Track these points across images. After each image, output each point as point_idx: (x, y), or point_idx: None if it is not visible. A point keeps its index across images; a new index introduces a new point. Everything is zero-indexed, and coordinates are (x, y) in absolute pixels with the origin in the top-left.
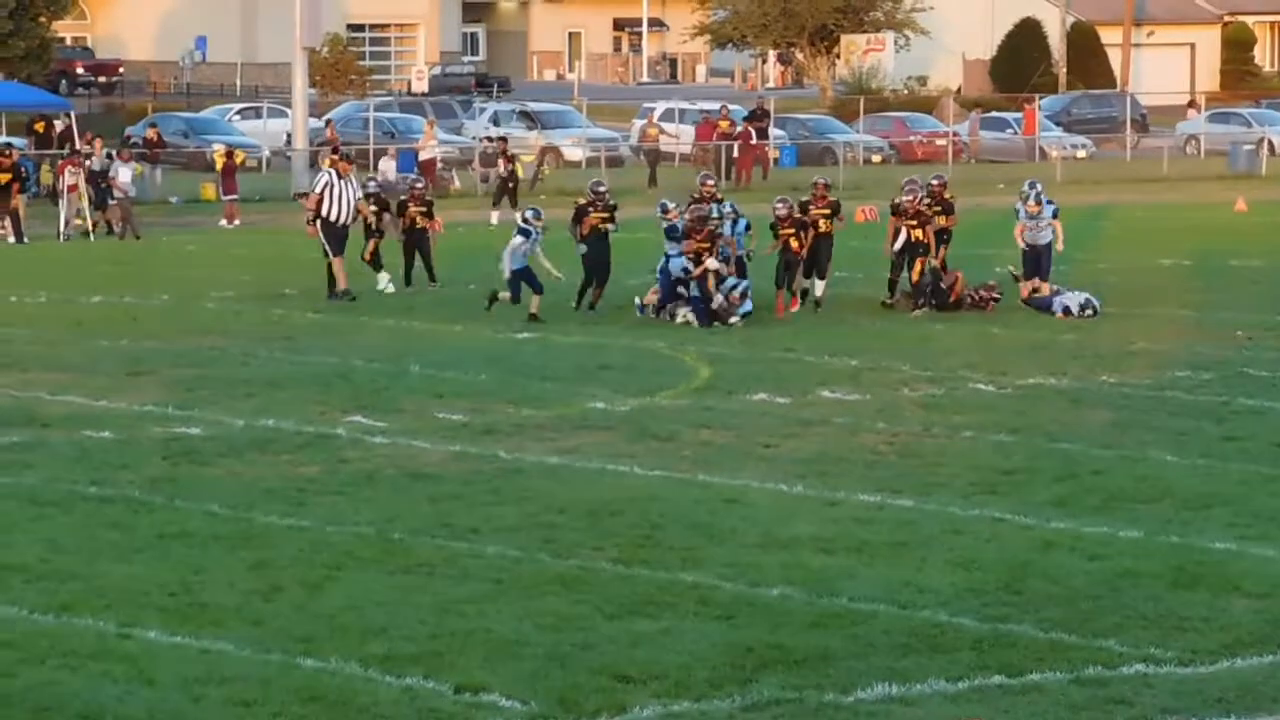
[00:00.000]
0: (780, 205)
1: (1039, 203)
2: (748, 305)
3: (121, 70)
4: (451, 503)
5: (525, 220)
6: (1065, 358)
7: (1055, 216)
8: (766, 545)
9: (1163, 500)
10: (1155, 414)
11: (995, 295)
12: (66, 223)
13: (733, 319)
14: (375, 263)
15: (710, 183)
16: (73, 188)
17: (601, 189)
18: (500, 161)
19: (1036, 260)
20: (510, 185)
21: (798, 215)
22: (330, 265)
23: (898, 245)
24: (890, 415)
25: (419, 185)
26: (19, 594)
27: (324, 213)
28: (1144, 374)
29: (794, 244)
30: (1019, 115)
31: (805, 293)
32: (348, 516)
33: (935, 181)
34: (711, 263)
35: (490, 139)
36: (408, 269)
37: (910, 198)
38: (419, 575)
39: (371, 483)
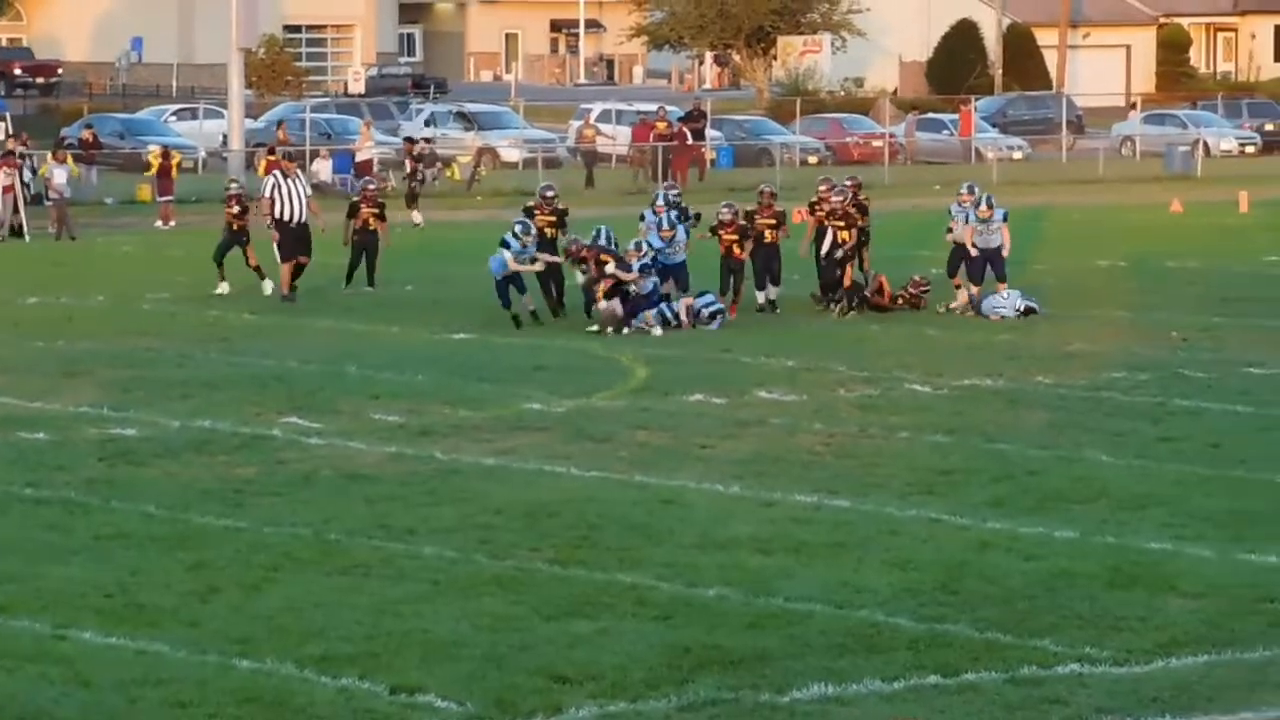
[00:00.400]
0: (725, 210)
1: (990, 207)
2: (716, 324)
3: (60, 71)
4: (388, 504)
5: (514, 234)
6: (1001, 359)
7: (1005, 221)
8: (704, 546)
9: (1099, 500)
10: (1091, 415)
11: (925, 289)
12: (1, 223)
13: (655, 329)
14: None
15: (550, 193)
16: (8, 188)
17: (550, 194)
18: (406, 162)
19: (984, 263)
20: (414, 186)
21: (742, 222)
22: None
23: (825, 247)
24: (827, 416)
25: (371, 187)
26: None
27: (277, 214)
28: (1080, 375)
29: (736, 250)
30: (955, 117)
31: (772, 304)
32: (285, 517)
33: (850, 182)
34: (611, 268)
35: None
36: (351, 268)
37: (840, 199)
38: (356, 576)
39: (308, 484)
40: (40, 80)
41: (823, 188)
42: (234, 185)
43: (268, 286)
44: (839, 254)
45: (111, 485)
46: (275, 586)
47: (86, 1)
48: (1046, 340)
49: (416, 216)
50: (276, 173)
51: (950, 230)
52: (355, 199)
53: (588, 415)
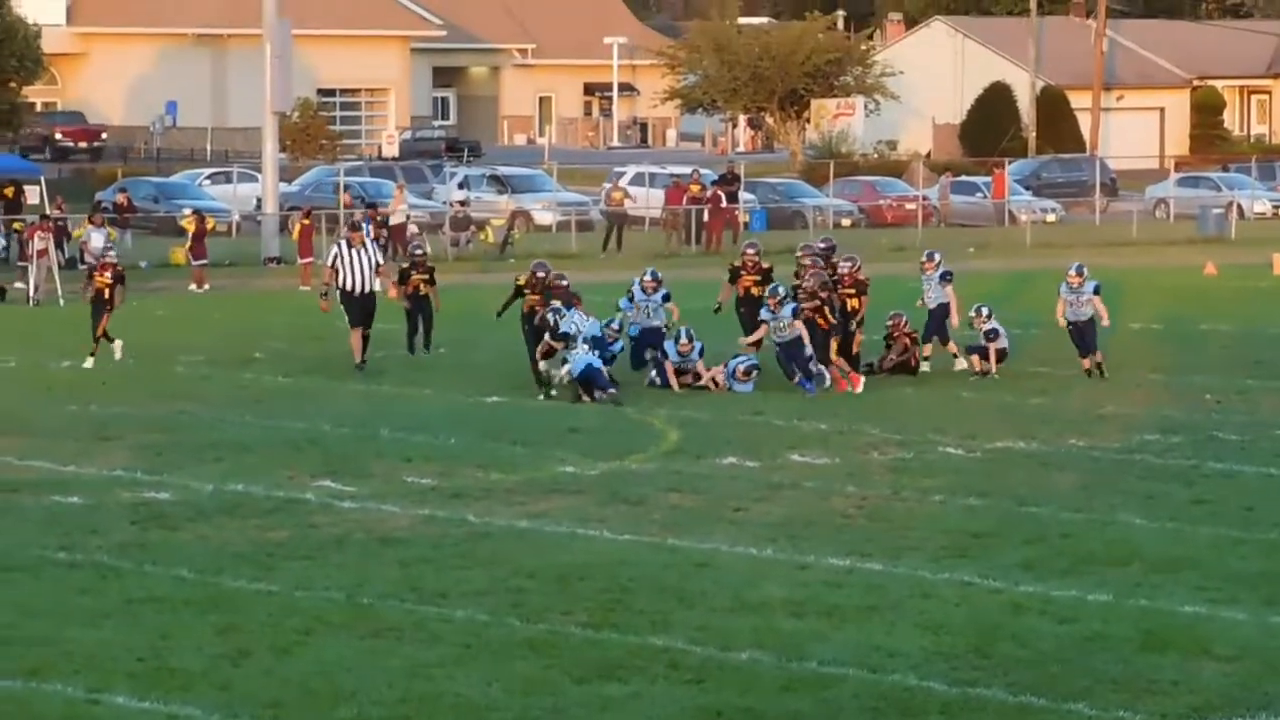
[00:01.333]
0: (750, 249)
1: (1080, 275)
2: (748, 386)
3: (104, 136)
4: (420, 567)
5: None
6: (1034, 421)
7: (1097, 293)
8: (736, 609)
9: (1132, 563)
10: (1124, 477)
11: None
12: (36, 287)
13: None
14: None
15: (541, 273)
16: (42, 252)
17: (541, 274)
18: (370, 229)
19: (1079, 336)
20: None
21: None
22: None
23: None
24: (860, 479)
25: (419, 252)
26: None
27: (340, 283)
28: (1113, 437)
29: (755, 291)
30: (988, 179)
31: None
32: (317, 581)
33: (822, 244)
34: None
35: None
36: (410, 335)
37: (850, 266)
38: (388, 639)
39: (340, 547)
40: (83, 145)
41: (804, 257)
42: (110, 254)
43: (117, 349)
44: (851, 324)
45: (144, 549)
46: (307, 650)
47: (121, 65)
48: (1080, 403)
49: (39, 288)
50: (341, 242)
51: (922, 300)
52: (405, 266)
53: (621, 478)
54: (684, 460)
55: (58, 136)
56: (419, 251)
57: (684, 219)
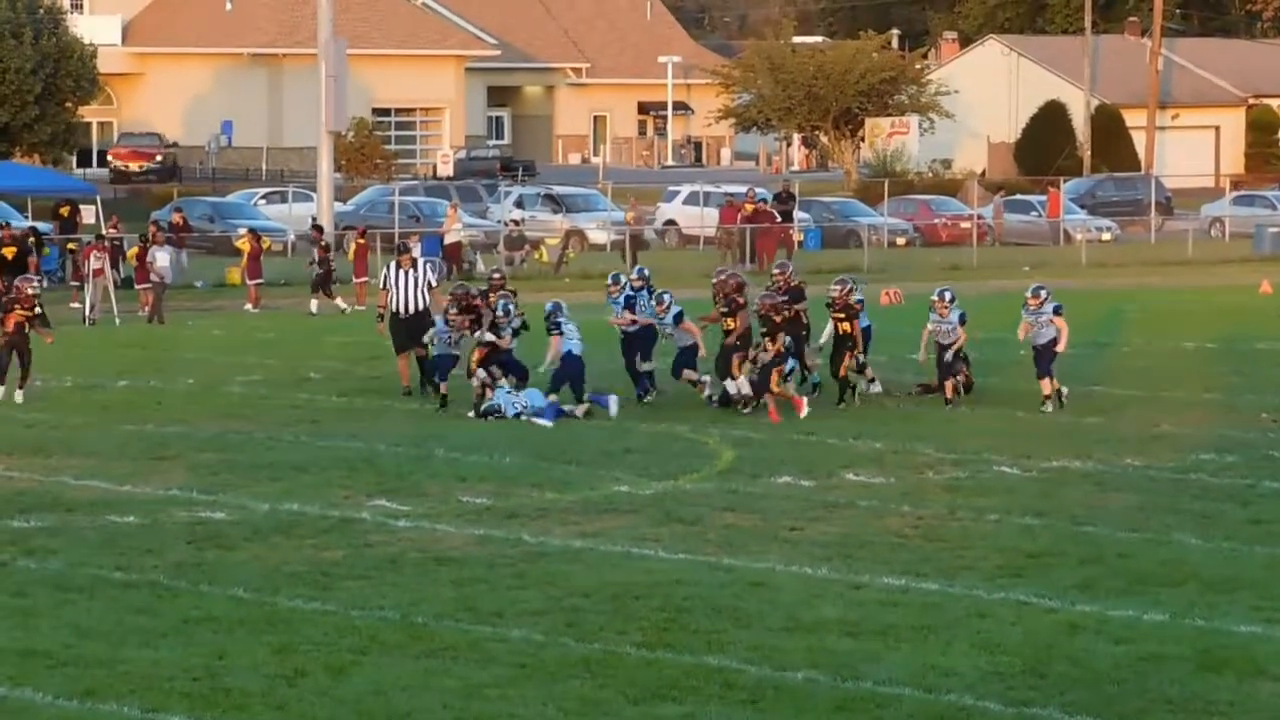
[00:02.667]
0: (778, 270)
1: (1037, 296)
2: (790, 385)
3: (159, 158)
4: (475, 586)
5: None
6: (1090, 440)
7: (1058, 314)
8: (791, 629)
9: (1188, 583)
10: (1180, 497)
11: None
12: (93, 306)
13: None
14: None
15: (497, 275)
16: (99, 272)
17: (498, 275)
18: (315, 249)
19: (1036, 358)
20: (329, 271)
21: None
22: (413, 358)
23: (823, 339)
24: (915, 498)
25: (497, 275)
26: (44, 680)
27: (390, 304)
28: (1169, 457)
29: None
30: (1043, 198)
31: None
32: (372, 600)
33: (777, 269)
34: (481, 335)
35: (516, 222)
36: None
37: (839, 288)
38: (443, 659)
39: (395, 567)
40: (135, 167)
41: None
42: (32, 286)
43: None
44: (846, 346)
45: (200, 568)
46: (362, 670)
47: (177, 85)
48: (1135, 422)
49: (314, 305)
50: (391, 264)
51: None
52: (484, 289)
53: (675, 497)
54: (739, 479)
55: (109, 158)
56: (497, 274)
57: (739, 237)
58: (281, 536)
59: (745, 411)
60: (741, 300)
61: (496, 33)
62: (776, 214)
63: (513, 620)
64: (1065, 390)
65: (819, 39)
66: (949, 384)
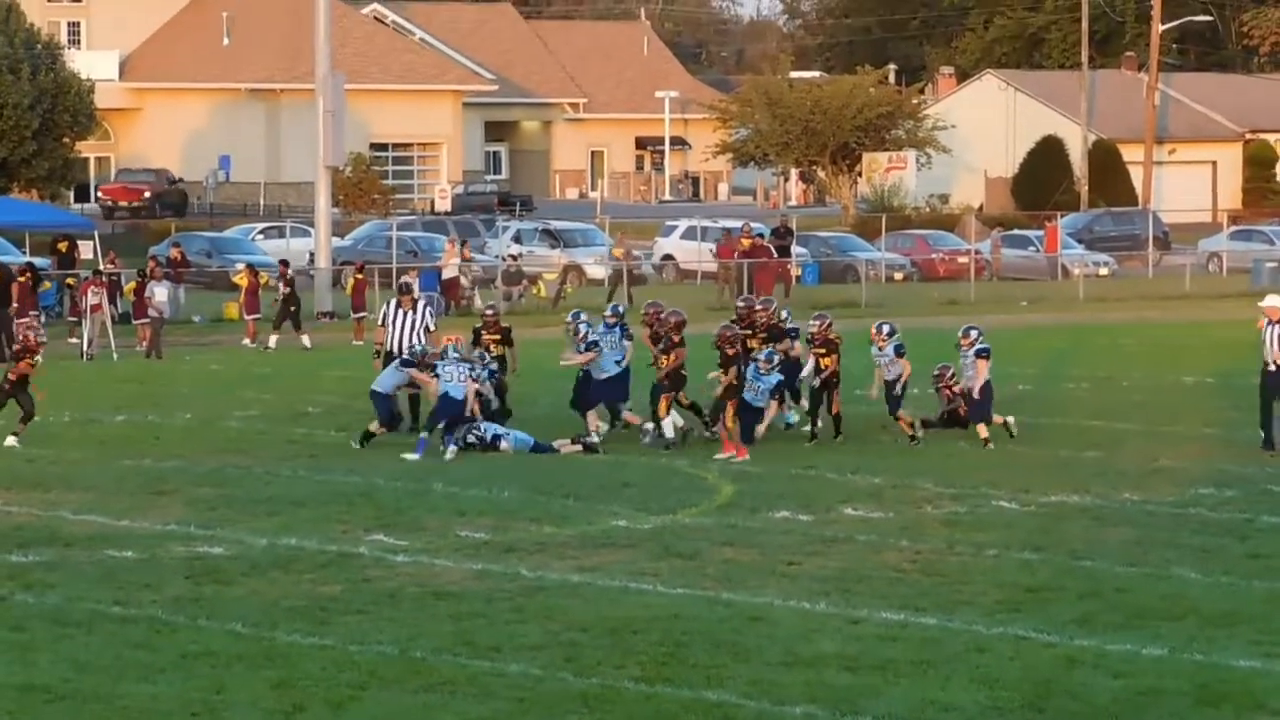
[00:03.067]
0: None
1: (966, 337)
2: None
3: (146, 195)
4: (474, 621)
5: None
6: (1088, 475)
7: (982, 356)
8: (790, 663)
9: (1187, 618)
10: (1179, 531)
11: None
12: (90, 342)
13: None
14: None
15: (491, 312)
16: (96, 307)
17: (491, 313)
18: (280, 285)
19: (969, 403)
20: (291, 308)
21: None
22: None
23: (805, 373)
24: (913, 533)
25: (489, 312)
26: (42, 714)
27: (384, 342)
28: (1168, 491)
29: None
30: (1041, 233)
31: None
32: (370, 635)
33: (741, 302)
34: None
35: (514, 257)
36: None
37: (818, 324)
38: (441, 694)
39: (394, 601)
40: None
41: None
42: (39, 335)
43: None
44: (816, 381)
45: (198, 603)
46: (360, 705)
47: (174, 120)
48: (1133, 456)
49: (272, 340)
50: (391, 302)
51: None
52: (477, 326)
53: (674, 532)
54: (737, 514)
55: (98, 194)
56: (490, 311)
57: (736, 272)
58: (280, 571)
59: (668, 450)
60: (677, 339)
61: (494, 68)
62: (773, 249)
63: (511, 655)
64: (1012, 419)
65: (816, 74)
66: (901, 418)
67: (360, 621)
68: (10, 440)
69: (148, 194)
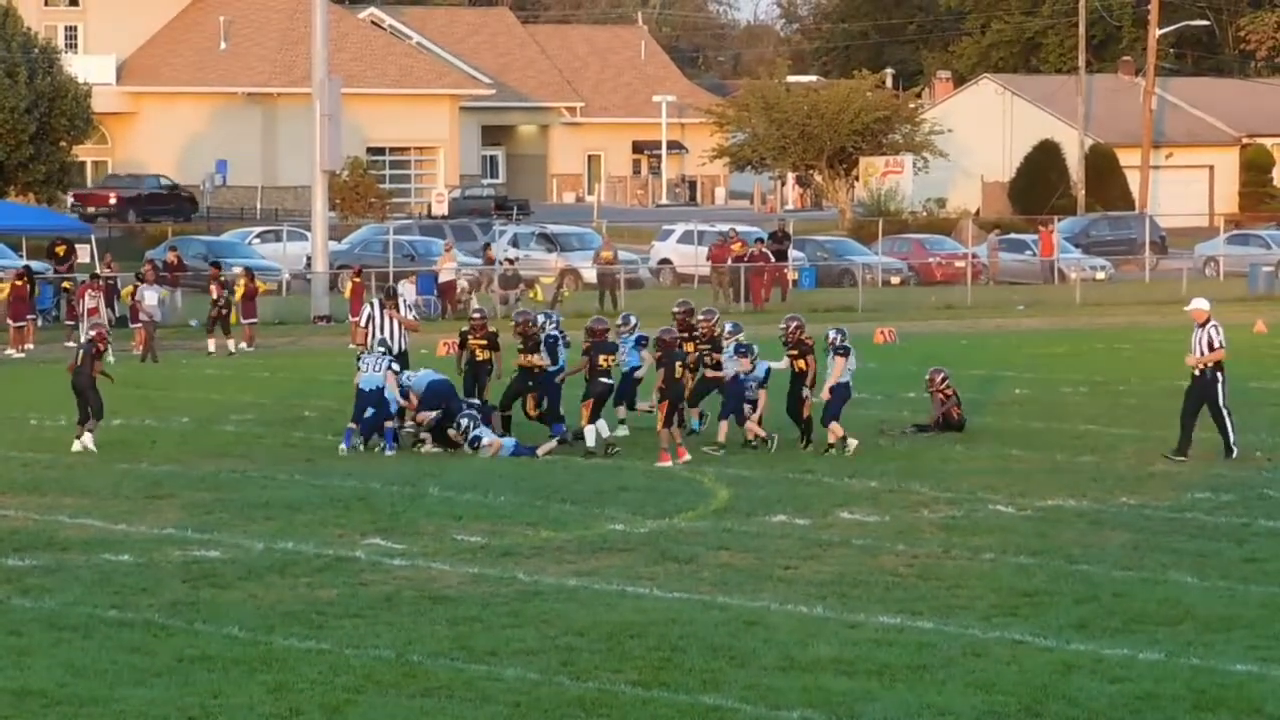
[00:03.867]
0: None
1: (828, 337)
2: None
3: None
4: (470, 625)
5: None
6: (1085, 479)
7: (840, 354)
8: (787, 668)
9: (1184, 622)
10: (1175, 536)
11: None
12: None
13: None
14: None
15: (478, 316)
16: (93, 311)
17: (479, 316)
18: (213, 288)
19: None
20: (223, 312)
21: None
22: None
23: (780, 364)
24: (910, 537)
25: (477, 315)
26: (38, 719)
27: (363, 341)
28: (1164, 496)
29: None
30: (1038, 237)
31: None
32: (367, 640)
33: (678, 307)
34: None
35: (511, 260)
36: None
37: (791, 326)
38: (438, 698)
39: (390, 605)
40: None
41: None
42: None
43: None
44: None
45: (195, 607)
46: (357, 709)
47: (171, 124)
48: (1130, 461)
49: (212, 345)
50: (374, 301)
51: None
52: (464, 329)
53: (670, 536)
54: (734, 518)
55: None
56: (477, 314)
57: (731, 276)
58: (276, 575)
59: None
60: (809, 343)
61: (491, 72)
62: (770, 253)
63: (508, 659)
64: (854, 443)
65: (813, 78)
66: (833, 429)
67: (357, 626)
68: (89, 441)
69: (113, 199)
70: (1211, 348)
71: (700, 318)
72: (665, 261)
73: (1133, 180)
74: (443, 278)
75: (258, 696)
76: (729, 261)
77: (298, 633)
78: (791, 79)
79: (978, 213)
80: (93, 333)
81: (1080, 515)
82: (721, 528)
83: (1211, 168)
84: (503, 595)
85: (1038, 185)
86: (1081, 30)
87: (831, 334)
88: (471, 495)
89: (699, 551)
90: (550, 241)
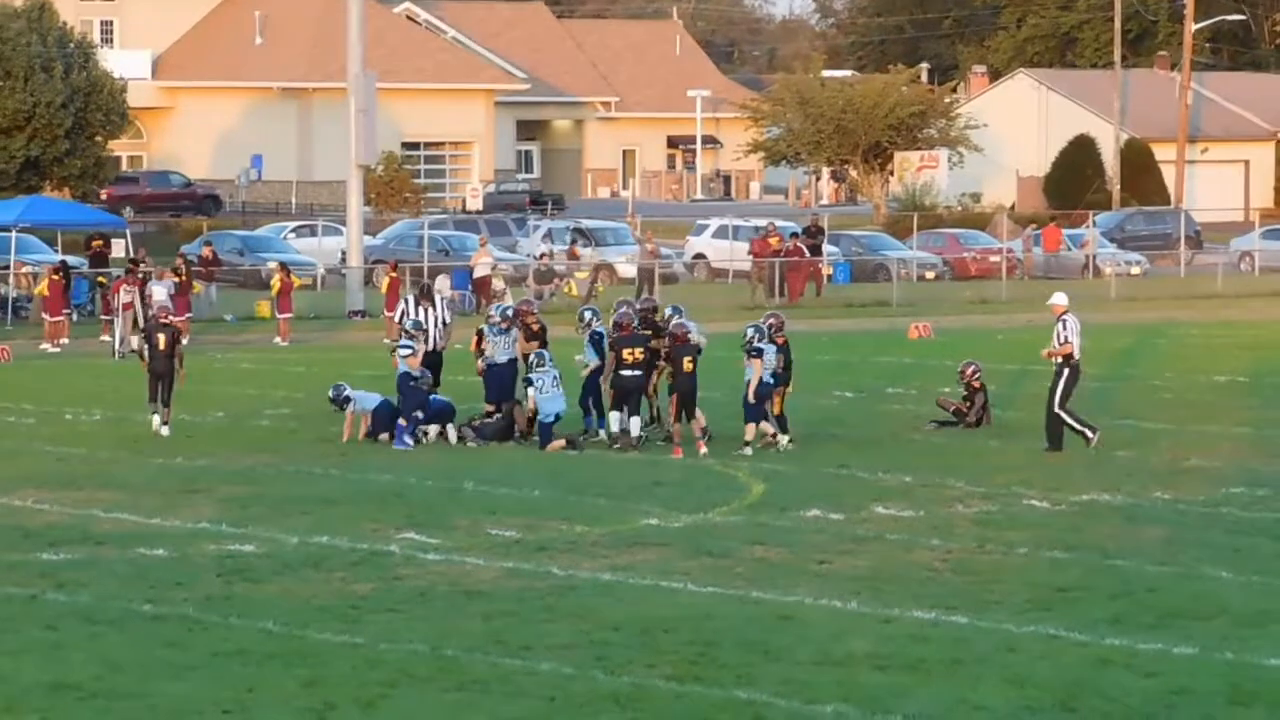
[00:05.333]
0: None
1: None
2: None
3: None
4: (505, 619)
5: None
6: (1120, 474)
7: (754, 356)
8: (821, 663)
9: (1218, 617)
10: (1210, 530)
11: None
12: (122, 340)
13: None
14: None
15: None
16: (127, 305)
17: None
18: (121, 287)
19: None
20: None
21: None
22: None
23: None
24: (945, 532)
25: (525, 304)
26: (74, 713)
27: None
28: (1199, 490)
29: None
30: (1074, 232)
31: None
32: (401, 634)
33: (641, 304)
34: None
35: (547, 254)
36: None
37: (773, 319)
38: (472, 693)
39: (425, 600)
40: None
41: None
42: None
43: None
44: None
45: (229, 601)
46: (391, 703)
47: (206, 119)
48: (1165, 456)
49: (134, 342)
50: (409, 297)
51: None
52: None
53: (705, 531)
54: (768, 513)
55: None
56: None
57: (768, 271)
58: (311, 569)
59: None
60: (784, 343)
61: (526, 67)
62: (804, 249)
63: (542, 653)
64: (784, 439)
65: (848, 73)
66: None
67: (391, 620)
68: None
69: (104, 195)
70: (1059, 342)
71: (619, 306)
72: (700, 256)
73: (1168, 175)
74: (477, 273)
75: (292, 691)
76: (770, 256)
77: (332, 627)
78: (826, 74)
79: (1013, 207)
80: (167, 319)
81: (1115, 510)
82: (756, 522)
83: (1247, 163)
84: (537, 590)
85: (1073, 180)
86: (1117, 25)
87: (749, 332)
88: (506, 490)
89: (733, 546)
90: (585, 236)
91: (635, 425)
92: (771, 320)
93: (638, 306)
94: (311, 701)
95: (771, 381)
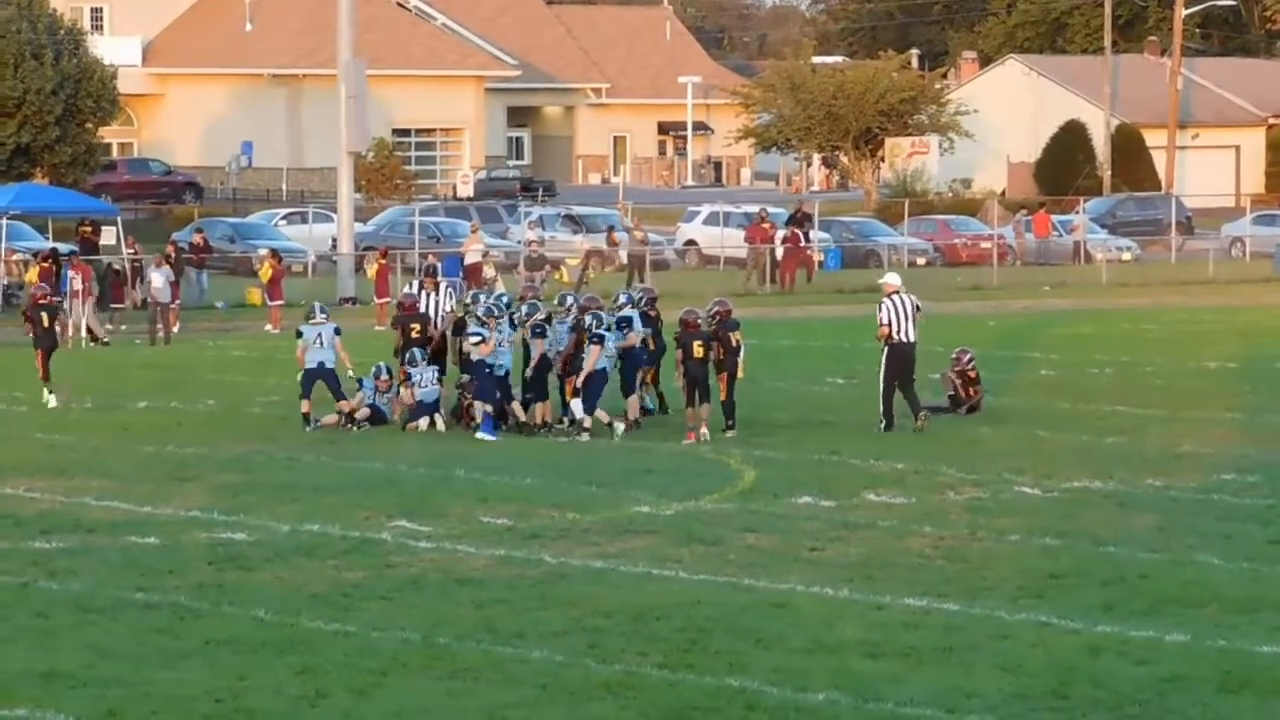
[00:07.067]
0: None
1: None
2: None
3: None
4: (497, 607)
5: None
6: (1111, 461)
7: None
8: (813, 650)
9: (1210, 604)
10: (1202, 517)
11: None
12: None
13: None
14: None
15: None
16: (76, 294)
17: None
18: (32, 270)
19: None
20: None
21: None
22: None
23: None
24: (936, 519)
25: (532, 293)
26: (65, 701)
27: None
28: (1190, 477)
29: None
30: (1064, 218)
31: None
32: (393, 622)
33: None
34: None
35: (537, 241)
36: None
37: (718, 308)
38: (464, 680)
39: (417, 587)
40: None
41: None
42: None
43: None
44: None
45: (221, 589)
46: (384, 691)
47: (197, 106)
48: (1157, 442)
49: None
50: (415, 283)
51: None
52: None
53: (696, 518)
54: (760, 500)
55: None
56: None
57: (761, 257)
58: (303, 558)
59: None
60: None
61: (516, 53)
62: (801, 236)
63: (534, 641)
64: (620, 425)
65: (839, 59)
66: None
67: (383, 608)
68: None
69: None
70: (880, 323)
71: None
72: (691, 243)
73: (1159, 161)
74: (468, 259)
75: (284, 678)
76: (767, 242)
77: (324, 615)
78: (817, 60)
79: (1003, 193)
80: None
81: (1107, 497)
82: (747, 509)
83: (1238, 148)
84: (529, 577)
85: (1064, 166)
86: (1108, 10)
87: (588, 319)
88: (498, 477)
89: (725, 533)
90: (575, 223)
91: (578, 408)
92: (717, 309)
93: (637, 296)
94: (304, 689)
95: (645, 359)
